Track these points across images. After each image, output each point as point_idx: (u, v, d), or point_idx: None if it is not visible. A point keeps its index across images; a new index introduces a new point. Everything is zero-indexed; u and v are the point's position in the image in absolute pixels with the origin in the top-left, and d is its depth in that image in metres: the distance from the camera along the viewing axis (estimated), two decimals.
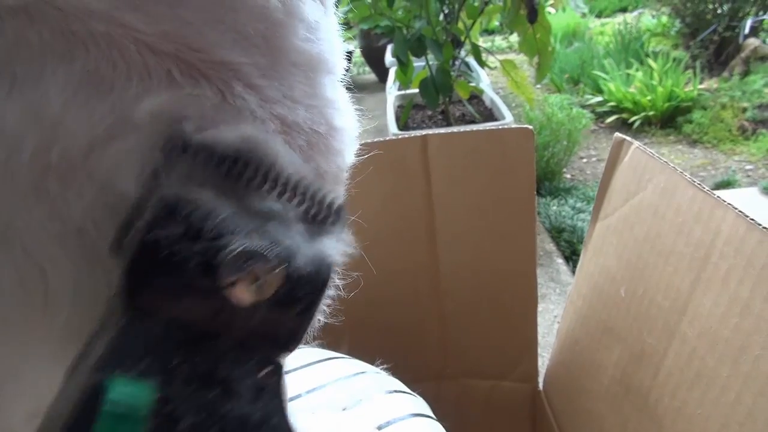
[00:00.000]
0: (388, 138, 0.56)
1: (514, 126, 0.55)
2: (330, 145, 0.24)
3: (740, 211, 0.37)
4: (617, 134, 0.53)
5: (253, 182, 0.19)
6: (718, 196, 0.40)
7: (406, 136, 0.56)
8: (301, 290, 0.19)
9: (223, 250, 0.18)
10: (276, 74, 0.21)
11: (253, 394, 0.18)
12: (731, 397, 0.36)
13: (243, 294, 0.18)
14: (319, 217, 0.20)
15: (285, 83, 0.22)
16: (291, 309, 0.19)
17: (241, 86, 0.21)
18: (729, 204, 0.39)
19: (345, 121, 0.25)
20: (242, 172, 0.19)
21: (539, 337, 1.37)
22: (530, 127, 0.55)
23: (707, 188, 0.41)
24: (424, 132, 0.56)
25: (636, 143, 0.51)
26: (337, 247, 0.21)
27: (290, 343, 0.20)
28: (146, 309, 0.18)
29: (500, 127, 0.56)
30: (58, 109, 0.18)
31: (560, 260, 1.63)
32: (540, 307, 1.49)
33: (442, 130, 0.56)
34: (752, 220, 0.36)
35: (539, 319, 1.50)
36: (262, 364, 0.19)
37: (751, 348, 0.35)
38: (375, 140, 0.56)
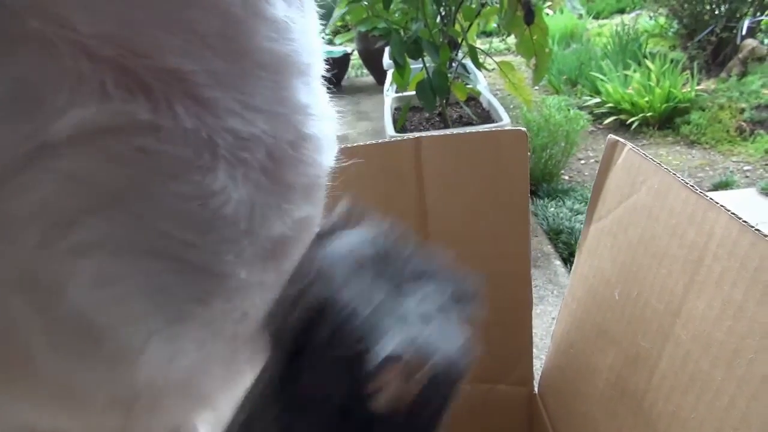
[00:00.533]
0: (380, 141, 0.56)
1: (507, 128, 0.55)
2: (300, 155, 0.22)
3: (733, 213, 0.37)
4: (611, 136, 0.53)
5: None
6: (711, 198, 0.40)
7: (399, 138, 0.56)
8: (438, 389, 0.19)
9: (370, 351, 0.17)
10: (234, 81, 0.19)
11: None
12: (725, 401, 0.36)
13: (387, 402, 0.18)
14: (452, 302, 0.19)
15: (245, 90, 0.20)
16: (424, 412, 0.19)
17: (185, 101, 0.18)
18: (722, 206, 0.38)
19: (319, 127, 0.23)
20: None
21: (537, 340, 1.37)
22: (524, 129, 0.54)
23: (700, 190, 0.41)
24: (416, 135, 0.56)
25: (629, 145, 0.51)
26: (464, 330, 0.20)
27: None
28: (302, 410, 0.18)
29: (495, 129, 0.55)
30: None
31: (558, 262, 1.62)
32: (538, 309, 1.48)
33: (437, 133, 0.56)
34: (745, 222, 0.36)
35: (537, 322, 1.49)
36: None
37: (745, 351, 0.35)
38: (367, 143, 0.55)
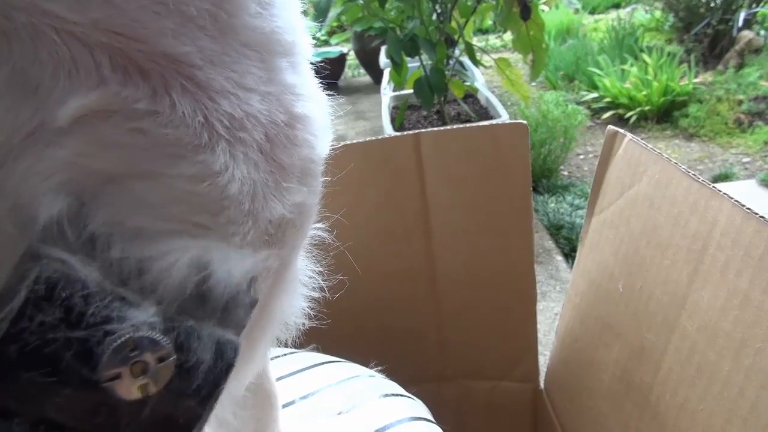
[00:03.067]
0: (379, 137, 0.55)
1: (508, 121, 0.54)
2: (293, 136, 0.22)
3: (736, 201, 0.37)
4: (610, 127, 0.53)
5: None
6: (713, 186, 0.39)
7: (398, 134, 0.56)
8: (197, 380, 0.17)
9: (108, 337, 0.15)
10: (226, 60, 0.19)
11: None
12: (734, 392, 0.35)
13: (128, 388, 0.16)
14: (219, 304, 0.18)
15: (237, 69, 0.20)
16: (186, 400, 0.17)
17: (180, 82, 0.18)
18: (725, 194, 0.38)
19: (309, 107, 0.23)
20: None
21: (540, 336, 1.36)
22: (524, 122, 0.54)
23: (702, 178, 0.40)
24: (415, 131, 0.55)
25: (629, 135, 0.50)
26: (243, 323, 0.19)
27: None
28: (5, 411, 0.15)
29: (495, 122, 0.55)
30: None
31: (559, 257, 1.62)
32: (540, 305, 1.48)
33: (436, 128, 0.56)
34: (749, 209, 0.36)
35: (540, 318, 1.49)
36: None
37: (753, 340, 0.34)
38: (366, 140, 0.55)
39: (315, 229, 0.30)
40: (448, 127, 0.55)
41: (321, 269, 0.31)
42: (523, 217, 0.57)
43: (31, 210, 0.16)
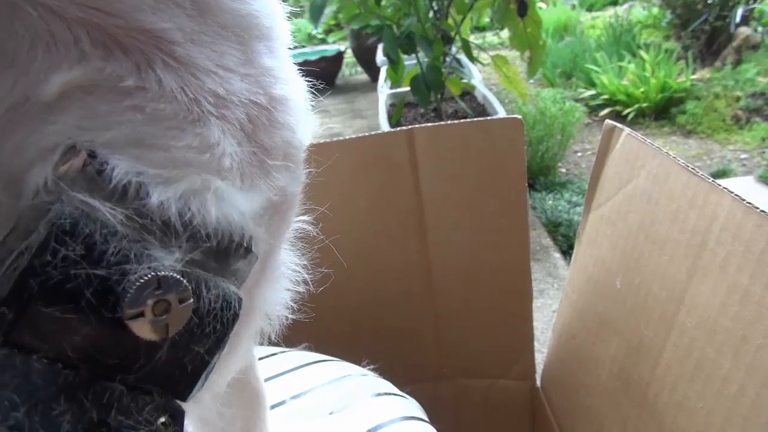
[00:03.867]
0: (373, 133, 0.54)
1: (502, 117, 0.53)
2: (273, 118, 0.21)
3: (737, 195, 0.36)
4: (608, 121, 0.52)
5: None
6: (713, 181, 0.38)
7: (392, 130, 0.55)
8: (208, 326, 0.17)
9: (132, 275, 0.15)
10: (205, 39, 0.19)
11: None
12: (733, 390, 0.35)
13: (149, 327, 0.16)
14: (228, 251, 0.18)
15: (216, 49, 0.20)
16: (196, 346, 0.17)
17: (163, 58, 0.18)
18: (725, 188, 0.37)
19: (288, 90, 0.22)
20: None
21: (538, 333, 1.36)
22: (519, 117, 0.53)
23: (701, 173, 0.40)
24: (409, 126, 0.55)
25: (627, 130, 0.49)
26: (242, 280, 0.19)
27: (189, 386, 0.17)
28: (24, 346, 0.15)
29: (490, 118, 0.54)
30: None
31: (557, 255, 1.61)
32: (538, 303, 1.47)
33: (429, 125, 0.55)
34: (750, 203, 0.35)
35: (538, 315, 1.49)
36: (161, 410, 0.17)
37: (753, 337, 0.33)
38: (360, 135, 0.54)
39: (303, 223, 0.30)
40: (442, 123, 0.54)
41: (313, 265, 0.30)
42: (519, 212, 0.56)
43: (32, 176, 0.16)
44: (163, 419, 0.17)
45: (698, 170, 0.40)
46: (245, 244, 0.19)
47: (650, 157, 0.45)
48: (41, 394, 0.15)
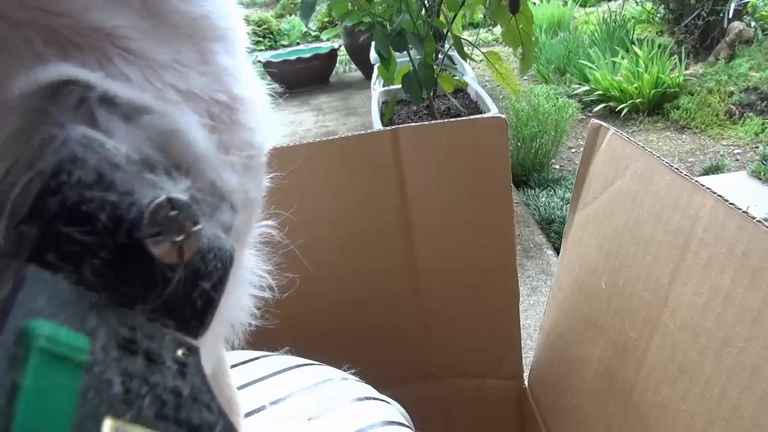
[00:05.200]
0: (356, 133, 0.54)
1: (486, 116, 0.53)
2: (234, 117, 0.21)
3: (719, 196, 0.36)
4: (593, 120, 0.51)
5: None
6: (696, 181, 0.38)
7: (376, 130, 0.54)
8: (211, 263, 0.18)
9: (143, 200, 0.16)
10: (158, 37, 0.19)
11: (178, 370, 0.17)
12: (716, 392, 0.34)
13: (167, 248, 0.16)
14: (215, 201, 0.19)
15: (172, 47, 0.19)
16: (202, 282, 0.18)
17: (121, 54, 0.18)
18: (708, 189, 0.37)
19: (248, 90, 0.22)
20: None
21: (531, 331, 1.35)
22: (503, 116, 0.53)
23: (685, 173, 0.39)
24: (394, 126, 0.54)
25: (612, 129, 0.49)
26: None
27: (199, 323, 0.18)
28: (50, 264, 0.15)
29: (474, 117, 0.54)
30: None
31: (550, 252, 1.61)
32: (531, 300, 1.47)
33: (414, 123, 0.54)
34: (732, 204, 0.34)
35: (531, 312, 1.48)
36: (178, 342, 0.17)
37: (734, 340, 0.33)
38: (343, 136, 0.53)
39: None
40: (426, 123, 0.54)
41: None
42: (504, 212, 0.56)
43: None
44: (180, 351, 0.17)
45: (691, 167, 0.40)
46: (225, 202, 0.20)
47: (635, 156, 0.45)
48: (73, 309, 0.15)
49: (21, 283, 0.14)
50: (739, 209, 0.34)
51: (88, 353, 0.14)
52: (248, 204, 0.23)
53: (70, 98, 0.16)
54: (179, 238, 0.16)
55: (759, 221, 0.32)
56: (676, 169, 0.40)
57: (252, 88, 0.23)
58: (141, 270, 0.16)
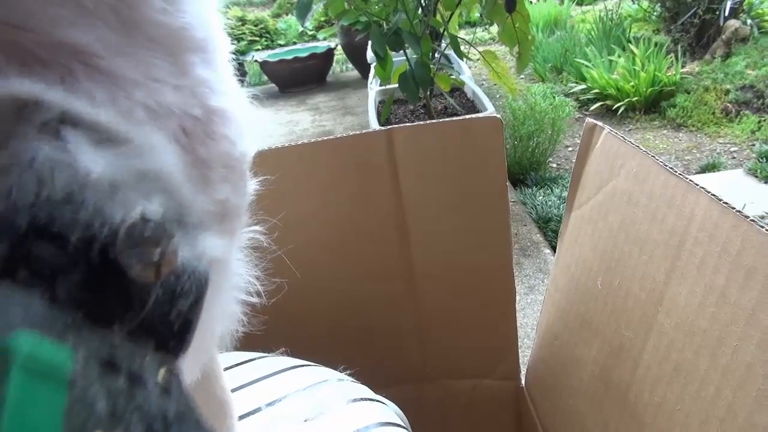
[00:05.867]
0: (350, 134, 0.54)
1: (481, 116, 0.53)
2: (210, 131, 0.21)
3: (713, 195, 0.35)
4: (588, 120, 0.51)
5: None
6: (690, 180, 0.38)
7: (370, 131, 0.54)
8: (186, 283, 0.18)
9: (115, 218, 0.16)
10: (131, 51, 0.18)
11: (163, 389, 0.17)
12: (711, 392, 0.34)
13: (141, 267, 0.16)
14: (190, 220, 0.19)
15: (144, 62, 0.19)
16: (179, 302, 0.17)
17: (87, 71, 0.17)
18: (702, 188, 0.37)
19: (226, 101, 0.22)
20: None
21: (529, 330, 1.35)
22: (498, 116, 0.52)
23: (680, 172, 0.39)
24: (388, 127, 0.54)
25: (607, 128, 0.49)
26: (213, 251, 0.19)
27: (179, 345, 0.18)
28: (24, 281, 0.15)
29: (469, 117, 0.54)
30: None
31: (547, 250, 1.61)
32: (529, 299, 1.47)
33: (409, 123, 0.54)
34: (726, 203, 0.34)
35: (528, 311, 1.48)
36: (159, 362, 0.17)
37: (729, 339, 0.33)
38: (337, 136, 0.53)
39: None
40: (421, 123, 0.54)
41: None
42: (500, 212, 0.56)
43: None
44: (162, 370, 0.17)
45: (688, 165, 0.40)
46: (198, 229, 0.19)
47: (630, 156, 0.45)
48: (50, 327, 0.15)
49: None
50: (734, 208, 0.34)
51: (70, 370, 0.14)
52: (228, 215, 0.22)
53: (34, 116, 0.16)
54: (155, 257, 0.16)
55: (753, 220, 0.32)
56: (671, 168, 0.40)
57: (231, 99, 0.22)
58: (116, 289, 0.16)
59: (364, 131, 0.54)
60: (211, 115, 0.21)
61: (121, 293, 0.16)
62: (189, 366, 0.24)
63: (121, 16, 0.18)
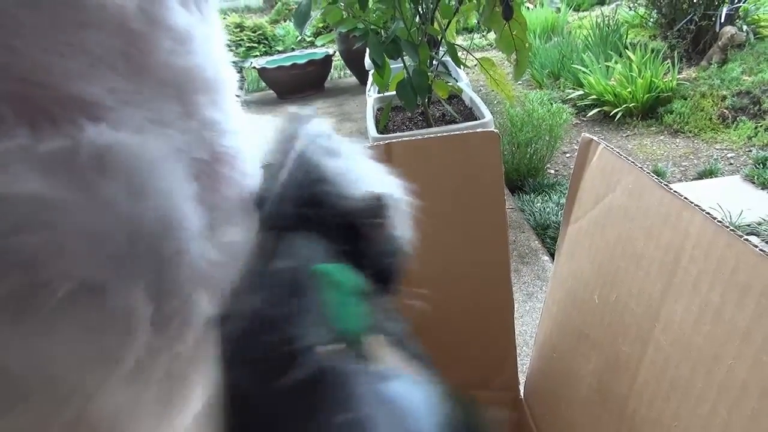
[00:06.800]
0: None
1: (479, 130, 0.53)
2: (215, 175, 0.21)
3: (707, 214, 0.36)
4: (584, 134, 0.52)
5: None
6: (685, 198, 0.38)
7: (368, 145, 0.54)
8: (393, 245, 0.32)
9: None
10: (139, 99, 0.19)
11: (395, 317, 0.29)
12: (707, 409, 0.35)
13: (377, 227, 0.27)
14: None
15: (152, 107, 0.19)
16: (387, 257, 0.32)
17: (94, 122, 0.18)
18: (696, 205, 0.37)
19: (234, 143, 0.22)
20: None
21: (527, 338, 1.35)
22: (496, 130, 0.53)
23: (674, 190, 0.40)
24: (387, 140, 0.54)
25: (603, 143, 0.49)
26: None
27: (392, 284, 0.31)
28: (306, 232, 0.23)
29: (466, 131, 0.54)
30: None
31: (546, 257, 1.61)
32: (527, 306, 1.47)
33: (407, 138, 0.54)
34: (719, 222, 0.35)
35: (527, 318, 1.48)
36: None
37: (724, 357, 0.33)
38: None
39: None
40: (419, 137, 0.54)
41: None
42: (498, 225, 0.56)
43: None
44: (388, 304, 0.27)
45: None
46: None
47: (626, 172, 0.45)
48: (328, 260, 0.24)
49: (293, 241, 0.22)
50: (727, 227, 0.34)
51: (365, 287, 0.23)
52: (233, 253, 0.23)
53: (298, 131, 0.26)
54: (381, 221, 0.25)
55: (746, 239, 0.33)
56: (666, 185, 0.40)
57: (240, 136, 0.23)
58: (363, 244, 0.26)
59: (367, 145, 0.54)
60: (218, 158, 0.21)
61: (365, 246, 0.26)
62: None
63: (131, 61, 0.18)
